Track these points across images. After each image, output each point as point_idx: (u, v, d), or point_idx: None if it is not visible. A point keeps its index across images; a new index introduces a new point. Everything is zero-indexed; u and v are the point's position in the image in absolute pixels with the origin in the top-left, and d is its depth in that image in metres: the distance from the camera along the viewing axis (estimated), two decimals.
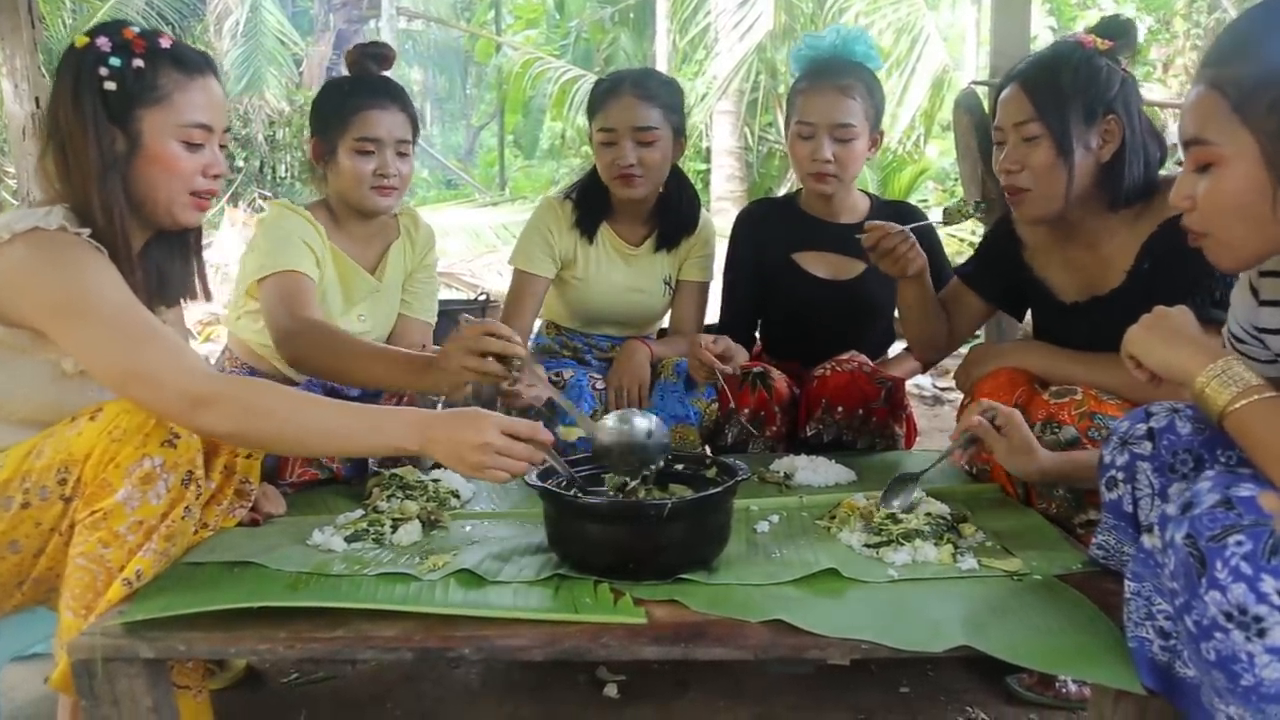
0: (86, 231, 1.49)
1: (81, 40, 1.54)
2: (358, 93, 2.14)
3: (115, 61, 1.52)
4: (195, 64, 1.60)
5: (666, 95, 2.37)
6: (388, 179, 2.13)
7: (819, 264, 2.47)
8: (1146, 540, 1.15)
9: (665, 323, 2.71)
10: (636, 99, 2.33)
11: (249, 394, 1.46)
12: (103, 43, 1.52)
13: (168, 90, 1.55)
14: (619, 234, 2.51)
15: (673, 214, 2.50)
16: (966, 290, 2.15)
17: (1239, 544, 0.98)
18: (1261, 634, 0.96)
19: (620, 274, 2.51)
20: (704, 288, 2.60)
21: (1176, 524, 1.04)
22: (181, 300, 1.78)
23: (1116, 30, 1.85)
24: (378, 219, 2.25)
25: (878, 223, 2.01)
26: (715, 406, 2.29)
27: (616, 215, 2.50)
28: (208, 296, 1.81)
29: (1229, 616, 0.97)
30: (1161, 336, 1.27)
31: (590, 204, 2.47)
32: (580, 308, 2.56)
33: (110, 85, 1.52)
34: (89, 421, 1.45)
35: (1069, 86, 1.77)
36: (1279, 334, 1.29)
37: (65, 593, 1.44)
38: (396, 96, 2.17)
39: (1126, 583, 1.20)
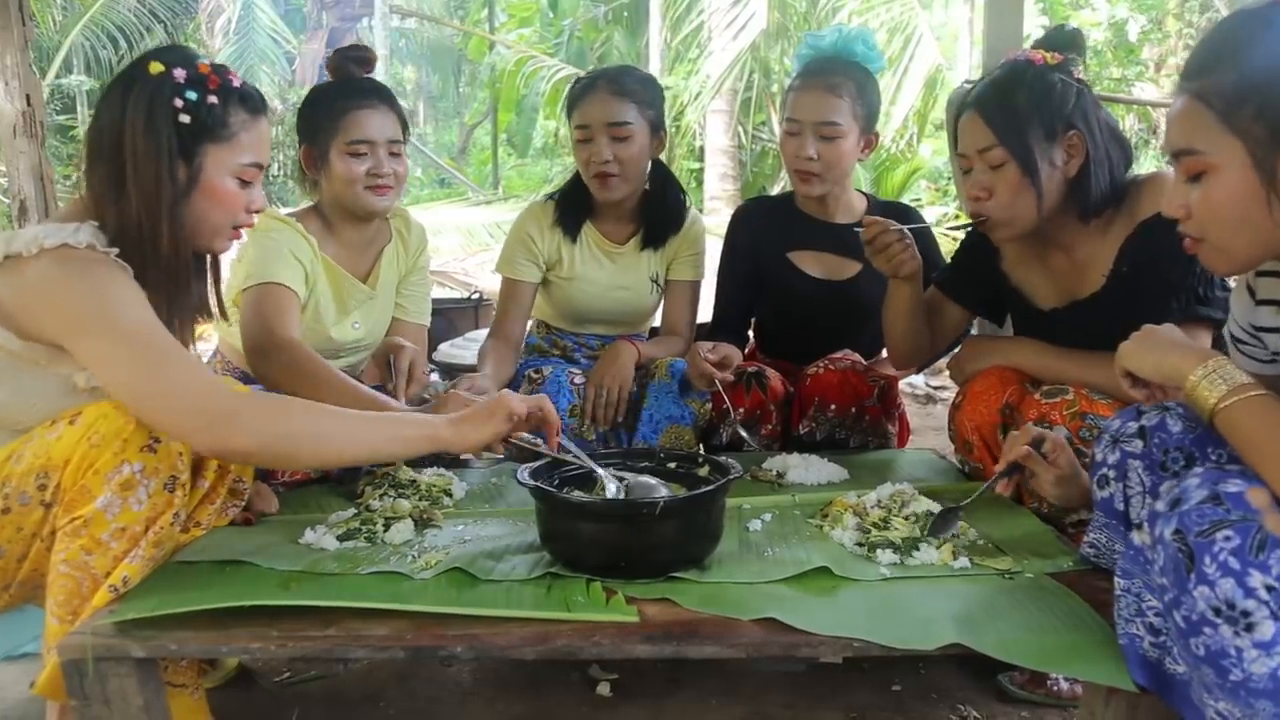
0: (114, 251, 1.49)
1: (156, 68, 1.54)
2: (345, 95, 2.14)
3: (191, 95, 1.53)
4: (257, 105, 1.63)
5: (642, 91, 2.36)
6: (382, 178, 2.12)
7: (814, 264, 2.47)
8: (1136, 537, 1.16)
9: (657, 320, 2.70)
10: (610, 95, 2.33)
11: (270, 411, 1.48)
12: (179, 74, 1.53)
13: (235, 130, 1.58)
14: (603, 232, 2.50)
15: (658, 211, 2.49)
16: (944, 299, 2.14)
17: (1227, 539, 0.99)
18: (1249, 629, 0.97)
19: (605, 272, 2.50)
20: (695, 286, 2.58)
21: (1165, 520, 1.05)
22: (200, 320, 1.76)
23: (1064, 43, 1.85)
24: (371, 224, 2.24)
25: (878, 218, 2.01)
26: (709, 407, 2.29)
27: (600, 213, 2.49)
28: (224, 315, 1.82)
29: (1217, 611, 0.98)
30: (1151, 346, 1.30)
31: (572, 203, 2.46)
32: (567, 307, 2.56)
33: (185, 119, 1.53)
34: (68, 426, 1.44)
35: (1025, 107, 1.76)
36: (1276, 332, 1.30)
37: (50, 599, 1.43)
38: (384, 96, 2.17)
39: (1116, 580, 1.20)
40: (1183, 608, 1.02)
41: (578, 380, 2.32)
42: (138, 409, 1.43)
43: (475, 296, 5.54)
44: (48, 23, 10.83)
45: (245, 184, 1.62)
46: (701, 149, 11.53)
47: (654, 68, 11.21)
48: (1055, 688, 1.77)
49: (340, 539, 1.60)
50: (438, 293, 6.86)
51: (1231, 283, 1.62)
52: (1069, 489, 1.56)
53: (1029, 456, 1.58)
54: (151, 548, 1.45)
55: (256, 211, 1.66)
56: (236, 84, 1.60)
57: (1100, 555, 1.44)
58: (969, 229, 2.08)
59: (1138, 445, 1.34)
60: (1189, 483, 1.07)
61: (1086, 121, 1.78)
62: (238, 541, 1.60)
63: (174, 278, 1.56)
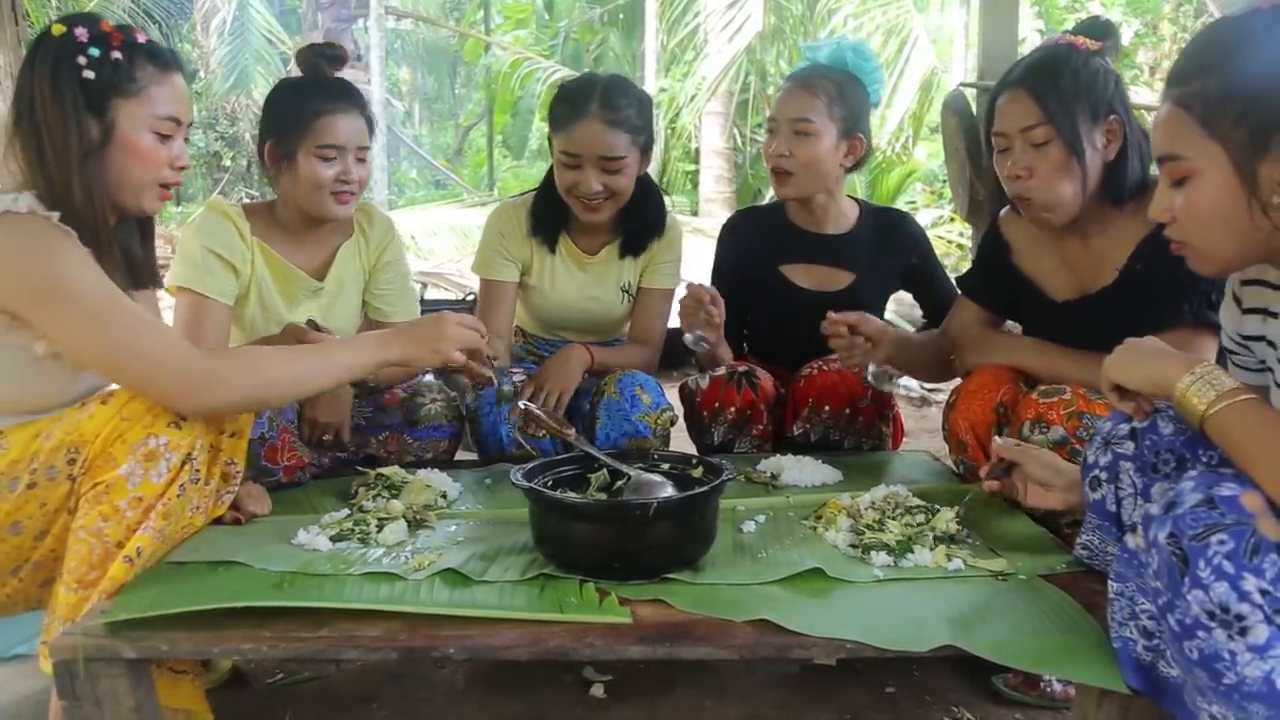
0: (56, 215, 1.51)
1: (58, 29, 1.56)
2: (318, 96, 2.08)
3: (94, 52, 1.54)
4: (167, 60, 1.64)
5: (635, 116, 2.25)
6: (349, 185, 2.09)
7: (806, 276, 2.44)
8: (1130, 540, 1.16)
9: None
10: (603, 125, 2.20)
11: (242, 365, 1.55)
12: (81, 33, 1.54)
13: (144, 83, 1.59)
14: (576, 243, 2.44)
15: (637, 221, 2.42)
16: (971, 305, 2.14)
17: (1221, 543, 0.99)
18: (1243, 632, 0.97)
19: (575, 282, 2.46)
20: (668, 295, 2.50)
21: (1160, 523, 1.05)
22: (149, 286, 1.79)
23: (1102, 31, 1.87)
24: (327, 222, 2.20)
25: (836, 319, 2.03)
26: (668, 415, 2.24)
27: (574, 225, 2.42)
28: (158, 283, 1.83)
29: (1211, 615, 0.99)
30: (1138, 356, 1.30)
31: (547, 216, 2.39)
32: (538, 312, 2.53)
33: (89, 74, 1.54)
34: (100, 405, 1.48)
35: (1072, 88, 1.77)
36: (1261, 340, 1.31)
37: (64, 568, 1.45)
38: (355, 99, 2.12)
39: (1110, 583, 1.20)
40: (1176, 611, 1.02)
41: (517, 379, 2.25)
42: (112, 375, 1.48)
43: (470, 298, 5.54)
44: (42, 22, 10.80)
45: (165, 139, 1.62)
46: (697, 151, 11.54)
47: (649, 70, 11.21)
48: (1048, 690, 1.77)
49: (333, 540, 1.60)
50: (432, 294, 6.87)
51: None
52: (1068, 495, 1.55)
53: (1023, 453, 1.59)
54: (161, 519, 1.48)
55: (182, 168, 1.67)
56: (142, 40, 1.61)
57: (1093, 557, 1.44)
58: (984, 232, 2.09)
59: (1129, 447, 1.35)
60: (1183, 486, 1.08)
61: (1125, 107, 1.81)
62: (230, 542, 1.60)
63: (95, 237, 1.55)
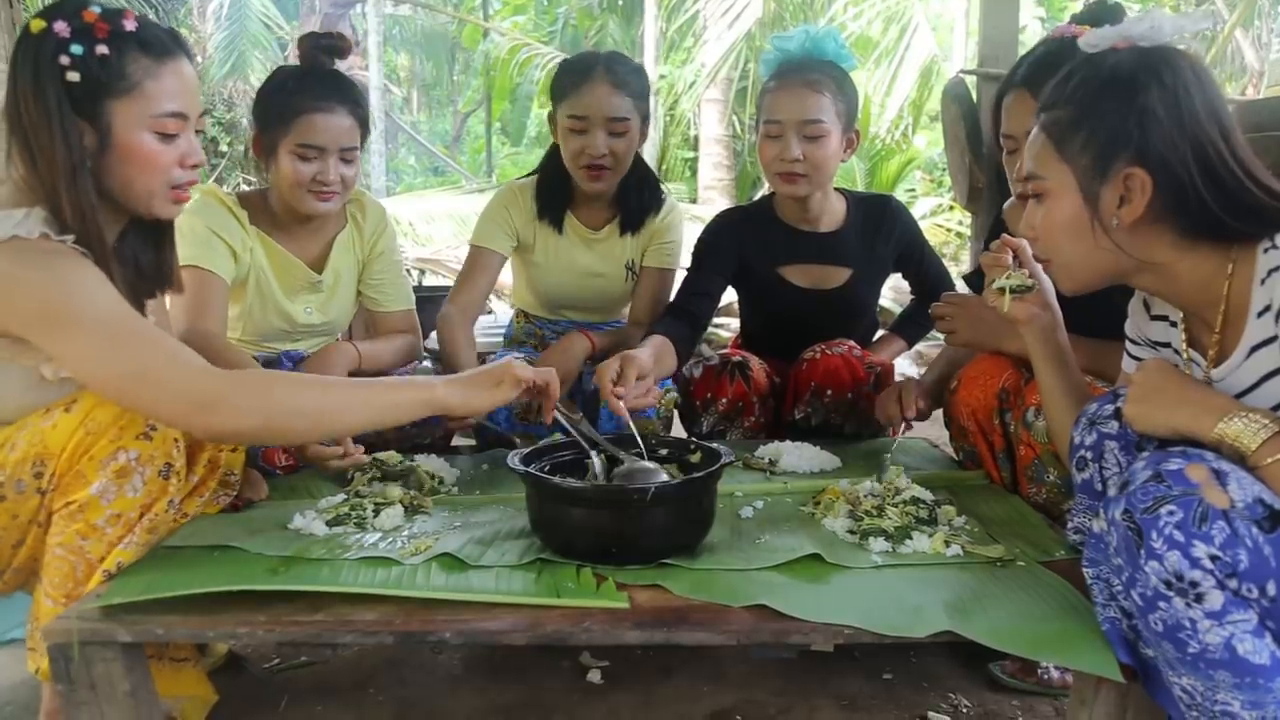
0: (70, 239, 1.40)
1: (37, 25, 1.41)
2: (304, 92, 2.04)
3: (77, 49, 1.40)
4: (164, 47, 1.49)
5: (636, 83, 2.31)
6: (328, 185, 2.06)
7: (804, 276, 2.41)
8: (1095, 525, 1.18)
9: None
10: (610, 87, 2.26)
11: (255, 389, 1.41)
12: (61, 28, 1.40)
13: (137, 78, 1.45)
14: (580, 219, 2.46)
15: (634, 197, 2.45)
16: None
17: (1171, 513, 1.03)
18: (1199, 599, 1.01)
19: (581, 258, 2.47)
20: (666, 276, 2.51)
21: (1115, 503, 1.09)
22: (159, 292, 1.70)
23: (1109, 19, 1.80)
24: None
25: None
26: (670, 397, 2.23)
27: (578, 201, 2.45)
28: (180, 287, 1.73)
29: (1169, 585, 1.02)
30: (1154, 405, 1.24)
31: (552, 194, 2.41)
32: (541, 291, 2.54)
33: (73, 76, 1.40)
34: (64, 413, 1.41)
35: None
36: (1168, 346, 1.38)
37: (45, 581, 1.43)
38: (346, 97, 2.08)
39: (1084, 570, 1.23)
40: (1138, 585, 1.06)
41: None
42: (123, 401, 1.38)
43: None
44: (37, 5, 10.76)
45: (169, 138, 1.49)
46: (696, 138, 11.51)
47: (648, 56, 11.17)
48: (1046, 677, 1.77)
49: (329, 524, 1.60)
50: (430, 280, 6.85)
51: None
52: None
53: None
54: (146, 534, 1.44)
55: (194, 166, 1.53)
56: (131, 27, 1.45)
57: (1086, 540, 1.44)
58: (988, 225, 2.07)
59: (1113, 426, 1.35)
60: (1136, 466, 1.11)
61: None
62: (226, 526, 1.59)
63: (92, 252, 1.42)
